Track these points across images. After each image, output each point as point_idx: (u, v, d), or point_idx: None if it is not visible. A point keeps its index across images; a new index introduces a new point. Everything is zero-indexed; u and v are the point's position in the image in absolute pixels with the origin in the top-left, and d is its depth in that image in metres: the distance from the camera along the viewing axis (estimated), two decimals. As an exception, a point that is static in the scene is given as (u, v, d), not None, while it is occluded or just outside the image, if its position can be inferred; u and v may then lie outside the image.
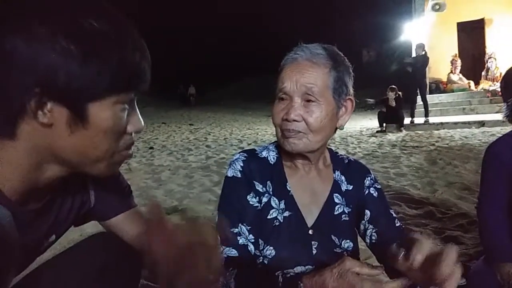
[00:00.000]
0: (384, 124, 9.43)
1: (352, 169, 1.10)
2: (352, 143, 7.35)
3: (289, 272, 0.94)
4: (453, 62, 12.38)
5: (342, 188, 1.07)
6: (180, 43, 27.81)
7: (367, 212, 1.05)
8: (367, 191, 1.08)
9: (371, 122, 11.10)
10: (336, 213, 1.03)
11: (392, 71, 11.00)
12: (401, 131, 9.21)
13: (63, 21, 0.63)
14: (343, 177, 1.08)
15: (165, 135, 10.26)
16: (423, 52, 9.58)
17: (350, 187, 1.07)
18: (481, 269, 1.57)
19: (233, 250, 0.94)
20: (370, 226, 1.04)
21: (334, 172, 1.08)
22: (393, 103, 9.32)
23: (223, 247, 0.96)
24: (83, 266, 0.91)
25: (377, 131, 9.31)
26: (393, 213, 1.08)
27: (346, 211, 1.04)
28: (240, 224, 0.96)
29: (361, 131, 9.89)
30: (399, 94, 9.49)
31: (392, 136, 8.41)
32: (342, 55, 1.01)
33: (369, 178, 1.10)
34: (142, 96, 0.77)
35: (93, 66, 0.64)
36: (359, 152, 6.13)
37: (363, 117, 14.05)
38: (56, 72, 0.62)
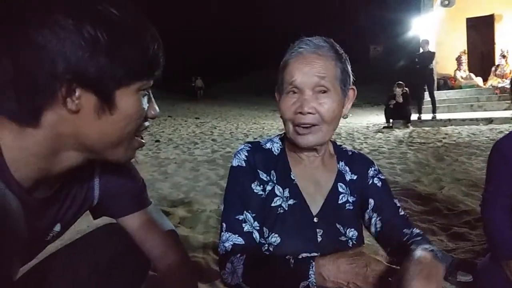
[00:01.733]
0: (391, 120, 9.39)
1: (356, 160, 1.12)
2: (359, 139, 7.33)
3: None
4: (458, 59, 12.26)
5: (347, 178, 1.08)
6: (186, 37, 27.79)
7: (371, 201, 1.06)
8: (371, 181, 1.09)
9: (378, 118, 11.06)
10: (340, 202, 1.04)
11: (400, 67, 10.91)
12: (408, 127, 9.16)
13: (88, 12, 0.66)
14: (347, 168, 1.09)
15: (171, 128, 10.29)
16: (428, 48, 9.51)
17: (355, 177, 1.08)
18: (488, 266, 1.57)
19: (239, 237, 0.96)
20: (374, 214, 1.04)
21: (338, 163, 1.09)
22: (400, 99, 9.27)
23: (226, 233, 0.97)
24: (91, 257, 0.92)
25: (384, 127, 9.27)
26: (397, 202, 1.08)
27: (351, 200, 1.05)
28: (245, 211, 0.98)
29: (367, 126, 9.85)
30: (406, 90, 9.43)
31: (399, 132, 8.37)
32: (341, 48, 1.03)
33: (372, 168, 1.11)
34: (156, 83, 0.80)
35: (120, 54, 0.68)
36: (365, 147, 6.11)
37: (369, 112, 13.99)
38: (85, 60, 0.65)
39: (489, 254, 1.60)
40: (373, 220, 1.05)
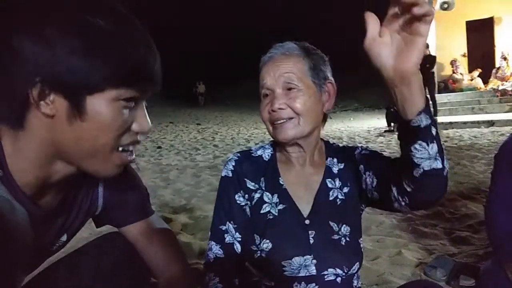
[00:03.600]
0: (392, 124, 9.37)
1: (343, 149, 1.11)
2: (360, 143, 7.32)
3: (285, 268, 0.96)
4: (452, 63, 12.28)
5: (334, 170, 1.07)
6: (187, 43, 27.87)
7: (361, 166, 1.02)
8: (358, 157, 1.05)
9: (379, 122, 11.06)
10: (331, 198, 1.04)
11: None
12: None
13: (66, 17, 0.65)
14: (334, 160, 1.09)
15: (172, 134, 10.31)
16: (428, 52, 9.54)
17: (342, 166, 1.08)
18: (490, 269, 1.57)
19: (220, 249, 1.00)
20: (367, 173, 1.00)
21: (327, 159, 1.09)
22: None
23: (211, 242, 1.02)
24: (93, 265, 0.93)
25: (385, 131, 9.26)
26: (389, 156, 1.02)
27: (341, 195, 1.04)
28: (227, 222, 1.02)
29: (368, 130, 9.85)
30: None
31: (400, 136, 8.34)
32: (315, 48, 1.05)
33: (359, 148, 1.08)
34: (151, 96, 0.78)
35: (91, 59, 0.66)
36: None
37: (371, 116, 13.99)
38: (56, 63, 0.64)
39: (492, 258, 1.60)
40: (368, 179, 0.99)
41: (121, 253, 0.96)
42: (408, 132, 0.77)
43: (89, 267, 0.93)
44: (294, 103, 0.97)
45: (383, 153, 1.07)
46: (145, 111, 0.78)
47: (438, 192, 0.83)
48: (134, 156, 0.80)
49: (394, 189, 0.88)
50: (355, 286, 1.02)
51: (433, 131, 0.76)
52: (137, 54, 0.70)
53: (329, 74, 1.03)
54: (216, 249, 1.00)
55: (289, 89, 0.98)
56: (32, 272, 0.92)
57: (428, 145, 0.76)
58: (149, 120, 0.78)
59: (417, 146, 0.76)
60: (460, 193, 3.35)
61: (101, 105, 0.69)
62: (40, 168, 0.72)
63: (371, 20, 0.72)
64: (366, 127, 10.59)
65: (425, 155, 0.77)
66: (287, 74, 0.97)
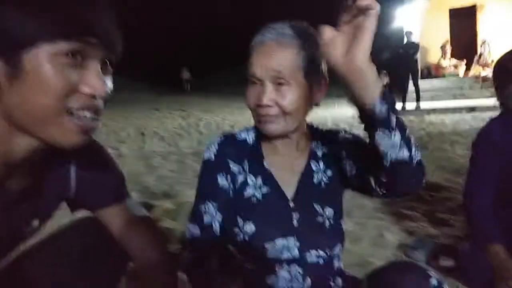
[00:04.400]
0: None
1: (329, 133, 1.09)
2: (344, 128, 7.35)
3: (267, 250, 0.95)
4: (443, 48, 12.38)
5: (319, 154, 1.05)
6: (173, 30, 27.45)
7: (343, 152, 1.00)
8: (341, 141, 1.04)
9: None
10: (315, 181, 1.03)
11: (385, 58, 10.97)
12: (392, 116, 9.24)
13: None
14: (319, 142, 1.07)
15: (157, 121, 10.19)
16: (412, 38, 9.61)
17: (326, 149, 1.06)
18: (469, 250, 1.60)
19: (198, 229, 0.98)
20: (348, 161, 0.98)
21: (312, 143, 1.07)
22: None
23: (189, 223, 1.00)
24: (67, 251, 0.90)
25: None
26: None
27: (325, 177, 1.03)
28: (208, 202, 0.99)
29: (353, 116, 9.89)
30: (388, 82, 9.49)
31: (383, 122, 8.44)
32: (312, 30, 0.96)
33: (343, 132, 1.07)
34: (110, 57, 0.72)
35: (21, 10, 0.62)
36: (350, 137, 6.14)
37: (355, 103, 14.04)
38: None
39: (470, 240, 1.63)
40: (348, 166, 0.98)
41: (96, 237, 0.94)
42: (368, 121, 0.78)
43: (62, 252, 0.90)
44: (282, 101, 0.92)
45: (365, 139, 1.04)
46: (100, 72, 0.70)
47: (412, 182, 0.84)
48: (96, 123, 0.74)
49: (371, 179, 0.88)
50: (337, 267, 1.03)
51: (392, 118, 0.76)
52: (71, 1, 0.65)
53: (324, 65, 0.97)
54: (192, 229, 0.99)
55: (279, 83, 0.92)
56: (5, 258, 0.89)
57: (390, 132, 0.76)
58: (104, 82, 0.71)
59: (379, 133, 0.77)
60: (441, 177, 3.41)
61: (38, 61, 0.64)
62: (1, 144, 0.69)
63: (324, 31, 0.74)
64: (350, 114, 10.63)
65: (388, 143, 0.77)
66: (278, 68, 0.91)
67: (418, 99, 9.77)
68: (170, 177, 3.89)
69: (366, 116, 0.77)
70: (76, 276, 0.91)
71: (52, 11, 0.63)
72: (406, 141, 0.78)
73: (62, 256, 0.92)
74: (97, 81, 0.69)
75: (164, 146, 6.00)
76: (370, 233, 2.22)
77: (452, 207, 2.60)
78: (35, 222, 0.87)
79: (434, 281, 0.85)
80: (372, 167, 0.86)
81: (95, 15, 0.67)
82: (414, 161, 0.80)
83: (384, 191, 0.88)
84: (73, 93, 0.68)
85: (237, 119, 10.35)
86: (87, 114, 0.70)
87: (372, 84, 0.74)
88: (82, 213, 1.02)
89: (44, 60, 0.64)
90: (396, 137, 0.77)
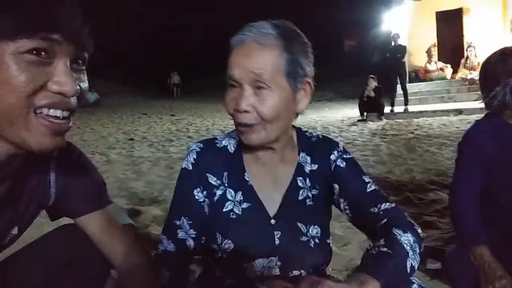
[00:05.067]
0: (365, 113, 9.52)
1: (318, 146, 1.02)
2: (334, 132, 7.40)
3: (247, 269, 0.92)
4: (428, 52, 12.51)
5: (306, 170, 0.99)
6: (162, 34, 27.31)
7: (336, 186, 0.97)
8: (333, 166, 0.99)
9: (353, 111, 11.19)
10: (300, 198, 0.97)
11: (373, 61, 11.05)
12: (381, 119, 9.31)
13: None
14: (308, 158, 1.00)
15: (145, 126, 10.13)
16: (400, 41, 9.72)
17: (315, 167, 0.99)
18: (455, 252, 1.60)
19: (171, 244, 0.93)
20: (341, 200, 0.97)
21: (299, 154, 1.00)
22: (371, 94, 9.39)
23: (163, 236, 0.95)
24: (47, 260, 0.89)
25: (358, 120, 9.39)
26: (365, 178, 0.98)
27: (311, 195, 0.98)
28: (182, 217, 0.94)
29: (342, 120, 9.96)
30: (379, 86, 9.56)
31: (372, 125, 8.51)
32: (298, 31, 0.90)
33: (335, 152, 1.00)
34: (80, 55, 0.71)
35: None
36: (340, 140, 6.14)
37: (345, 106, 14.14)
38: None
39: (456, 242, 1.64)
40: (342, 206, 0.98)
41: (77, 245, 0.92)
42: None
43: (42, 261, 0.89)
44: (262, 107, 0.84)
45: (359, 167, 1.02)
46: (68, 69, 0.69)
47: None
48: (69, 124, 0.72)
49: (366, 231, 0.94)
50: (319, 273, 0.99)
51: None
52: (34, 1, 0.64)
53: (309, 68, 0.90)
54: (166, 243, 0.93)
55: (259, 87, 0.84)
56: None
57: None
58: (74, 80, 0.69)
59: None
60: (428, 180, 3.44)
61: (1, 60, 0.63)
62: None
63: None
64: (340, 117, 10.70)
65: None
66: (258, 71, 0.83)
67: (406, 103, 9.86)
68: (159, 182, 3.86)
69: None
70: (58, 284, 0.90)
71: (14, 8, 0.62)
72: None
73: (44, 264, 0.91)
74: (66, 79, 0.68)
75: (153, 152, 5.96)
76: (358, 237, 2.22)
77: (439, 210, 2.62)
78: (14, 231, 0.86)
79: (416, 287, 0.85)
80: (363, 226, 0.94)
81: (59, 12, 0.66)
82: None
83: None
84: (40, 91, 0.66)
85: (227, 123, 10.34)
86: (58, 113, 0.69)
87: None
88: (64, 221, 1.01)
89: (7, 58, 0.63)
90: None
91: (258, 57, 0.84)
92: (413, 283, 0.86)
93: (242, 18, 0.91)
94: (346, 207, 0.97)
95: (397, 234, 0.83)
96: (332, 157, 1.00)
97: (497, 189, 1.50)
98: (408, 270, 0.79)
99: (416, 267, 0.82)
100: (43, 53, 0.65)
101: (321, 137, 1.05)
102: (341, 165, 0.99)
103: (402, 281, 0.79)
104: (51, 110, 0.68)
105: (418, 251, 0.84)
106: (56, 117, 0.69)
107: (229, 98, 0.89)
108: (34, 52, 0.64)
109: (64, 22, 0.67)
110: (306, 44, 0.91)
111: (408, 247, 0.81)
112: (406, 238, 0.83)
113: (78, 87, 0.70)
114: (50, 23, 0.65)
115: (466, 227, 1.52)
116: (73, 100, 0.71)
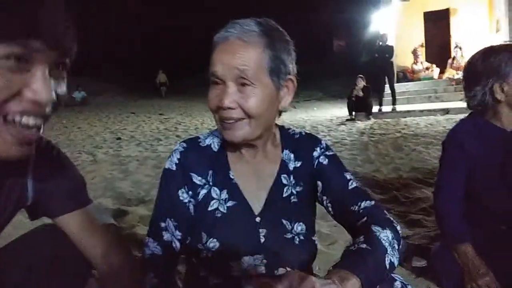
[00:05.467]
0: (354, 113, 9.58)
1: (301, 143, 1.03)
2: (322, 131, 7.43)
3: (233, 268, 0.92)
4: (414, 53, 12.63)
5: (290, 167, 1.00)
6: (150, 32, 27.14)
7: (319, 183, 0.98)
8: (316, 162, 1.00)
9: (341, 111, 11.25)
10: (285, 195, 0.98)
11: (362, 61, 11.12)
12: (369, 119, 9.38)
13: None
14: (292, 155, 1.01)
15: (133, 125, 10.05)
16: (388, 42, 9.80)
17: (299, 164, 1.00)
18: (440, 250, 1.62)
19: (158, 246, 0.92)
20: (324, 197, 0.98)
21: (283, 151, 1.01)
22: (360, 93, 9.46)
23: (149, 238, 0.94)
24: (25, 261, 0.87)
25: (347, 119, 9.45)
26: (347, 175, 1.00)
27: (295, 192, 0.99)
28: (167, 219, 0.93)
29: (331, 119, 10.01)
30: (368, 86, 9.63)
31: (361, 124, 8.56)
32: (280, 29, 0.91)
33: (318, 148, 1.02)
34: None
35: None
36: (328, 140, 6.20)
37: (333, 106, 14.20)
38: None
39: (440, 240, 1.65)
40: (325, 203, 0.99)
41: (58, 244, 0.91)
42: None
43: (20, 262, 0.87)
44: (246, 103, 0.85)
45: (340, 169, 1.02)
46: (46, 76, 0.67)
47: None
48: (38, 133, 0.70)
49: (347, 228, 0.94)
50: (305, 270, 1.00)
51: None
52: (13, 3, 0.61)
53: (292, 66, 0.92)
54: (153, 246, 0.93)
55: (242, 84, 0.85)
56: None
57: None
58: (50, 87, 0.67)
59: None
60: (415, 178, 3.46)
61: None
62: None
63: None
64: (329, 116, 10.75)
65: None
66: (242, 67, 0.84)
67: (394, 102, 9.95)
68: (146, 182, 3.83)
69: None
70: (39, 283, 0.88)
71: None
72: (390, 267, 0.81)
73: (25, 263, 0.89)
74: (42, 86, 0.65)
75: (141, 151, 5.91)
76: (345, 236, 2.23)
77: (425, 208, 2.64)
78: None
79: (398, 284, 0.85)
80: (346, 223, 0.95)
81: (41, 17, 0.64)
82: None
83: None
84: (13, 98, 0.64)
85: (216, 122, 10.31)
86: (30, 120, 0.67)
87: None
88: (46, 220, 0.99)
89: None
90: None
91: (242, 54, 0.84)
92: (396, 280, 0.86)
93: (225, 20, 0.90)
94: (329, 204, 0.98)
95: (376, 231, 0.84)
96: (315, 153, 1.02)
97: (480, 189, 1.51)
98: (387, 266, 0.79)
99: (396, 263, 0.82)
100: (21, 59, 0.63)
101: (303, 133, 1.06)
102: (324, 162, 1.00)
103: (382, 277, 0.79)
104: (23, 118, 0.66)
105: (397, 247, 0.85)
106: (27, 126, 0.67)
107: (212, 95, 0.89)
108: (12, 58, 0.62)
109: (46, 27, 0.64)
110: (289, 42, 0.92)
111: (387, 244, 0.82)
112: (385, 235, 0.83)
113: (54, 95, 0.68)
114: (30, 29, 0.62)
115: (450, 226, 1.53)
116: (48, 108, 0.69)
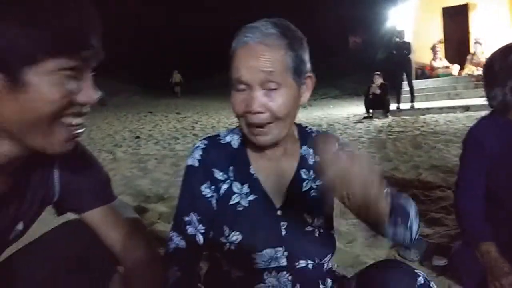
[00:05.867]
0: (371, 110, 9.49)
1: (320, 138, 1.03)
2: (339, 129, 7.39)
3: (255, 260, 0.93)
4: (433, 49, 12.41)
5: (309, 162, 1.02)
6: (167, 32, 27.37)
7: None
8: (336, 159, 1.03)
9: (358, 109, 11.17)
10: (304, 189, 1.00)
11: (379, 58, 10.96)
12: (387, 116, 9.28)
13: None
14: (310, 150, 1.02)
15: (151, 124, 10.18)
16: (406, 38, 9.67)
17: (317, 159, 1.01)
18: (461, 249, 1.60)
19: (182, 240, 0.95)
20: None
21: (301, 147, 1.03)
22: (377, 91, 9.36)
23: (173, 232, 0.97)
24: (52, 256, 0.90)
25: (364, 117, 9.36)
26: None
27: (314, 186, 1.01)
28: (191, 213, 0.96)
29: (348, 117, 9.94)
30: (385, 83, 9.52)
31: (378, 122, 8.48)
32: (294, 28, 0.93)
33: (336, 144, 1.01)
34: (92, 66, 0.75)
35: (23, 29, 0.64)
36: (345, 138, 6.16)
37: (350, 103, 14.11)
38: None
39: (461, 239, 1.63)
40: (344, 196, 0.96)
41: (81, 242, 0.93)
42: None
43: (46, 258, 0.90)
44: (274, 106, 0.87)
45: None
46: (91, 81, 0.75)
47: (401, 241, 0.90)
48: (81, 130, 0.77)
49: (366, 223, 0.93)
50: (326, 269, 1.01)
51: (398, 221, 0.85)
52: (71, 22, 0.68)
53: (308, 64, 0.93)
54: (177, 240, 0.95)
55: (269, 87, 0.86)
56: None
57: (394, 227, 0.86)
58: (94, 91, 0.75)
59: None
60: (434, 176, 3.42)
61: (40, 76, 0.67)
62: None
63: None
64: (346, 114, 10.68)
65: (390, 231, 0.87)
66: (268, 70, 0.85)
67: (412, 99, 9.82)
68: (165, 180, 3.88)
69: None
70: (63, 280, 0.91)
71: (53, 30, 0.66)
72: (407, 227, 0.87)
73: (50, 259, 0.91)
74: (92, 91, 0.74)
75: (159, 149, 5.99)
76: (363, 234, 2.22)
77: (445, 206, 2.61)
78: (19, 226, 0.87)
79: (421, 280, 0.85)
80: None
81: (90, 31, 0.71)
82: (411, 236, 0.88)
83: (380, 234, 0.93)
84: (70, 103, 0.71)
85: (233, 121, 10.36)
86: (79, 120, 0.75)
87: (378, 213, 0.82)
88: (69, 216, 1.02)
89: (46, 75, 0.67)
90: (399, 229, 0.86)
91: (266, 57, 0.86)
92: (419, 276, 0.86)
93: (244, 17, 0.92)
94: (345, 194, 0.97)
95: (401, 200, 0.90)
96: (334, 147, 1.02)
97: (500, 188, 1.49)
98: (414, 214, 0.88)
99: (416, 229, 0.89)
100: (75, 70, 0.70)
101: (320, 131, 1.09)
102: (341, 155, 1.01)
103: (405, 220, 0.87)
104: (75, 119, 0.74)
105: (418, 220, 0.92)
106: (76, 125, 0.75)
107: (238, 100, 0.90)
108: (70, 69, 0.69)
109: (94, 39, 0.72)
110: (303, 39, 0.94)
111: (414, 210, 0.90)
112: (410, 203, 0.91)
113: None
114: (84, 42, 0.70)
115: (472, 225, 1.51)
116: (88, 107, 0.77)
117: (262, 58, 0.86)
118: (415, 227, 0.88)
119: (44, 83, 0.67)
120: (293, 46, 0.89)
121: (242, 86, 0.89)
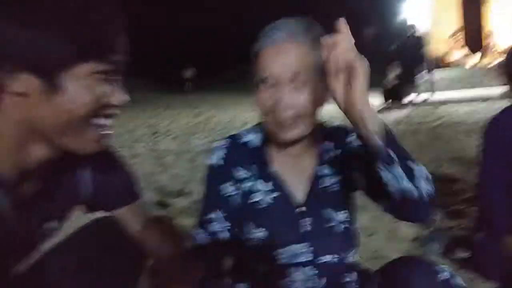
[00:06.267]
0: (389, 101, 9.37)
1: (336, 134, 1.05)
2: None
3: (281, 256, 0.95)
4: (452, 39, 12.17)
5: (329, 157, 1.03)
6: (181, 28, 27.47)
7: (356, 166, 0.97)
8: (350, 149, 1.02)
9: (375, 100, 11.04)
10: (326, 184, 1.00)
11: (394, 49, 10.77)
12: (405, 107, 9.15)
13: None
14: (330, 145, 1.04)
15: (168, 119, 10.25)
16: (422, 28, 9.52)
17: (338, 152, 1.03)
18: (483, 241, 1.59)
19: (207, 236, 0.98)
20: (359, 176, 0.96)
21: (321, 143, 1.04)
22: (395, 81, 9.22)
23: (198, 229, 0.99)
24: (84, 252, 0.92)
25: (382, 108, 9.25)
26: None
27: (336, 181, 1.01)
28: (216, 210, 0.98)
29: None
30: (402, 73, 9.37)
31: (397, 113, 8.36)
32: (317, 24, 0.94)
33: (349, 135, 1.04)
34: (119, 68, 0.78)
35: (57, 35, 0.67)
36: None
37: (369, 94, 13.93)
38: (20, 43, 0.66)
39: (484, 231, 1.62)
40: (359, 181, 0.97)
41: (113, 236, 0.96)
42: (369, 152, 0.80)
43: (78, 254, 0.93)
44: (302, 102, 0.88)
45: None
46: (120, 83, 0.78)
47: (418, 212, 0.86)
48: (111, 130, 0.81)
49: (380, 203, 0.90)
50: (350, 262, 1.02)
51: (392, 153, 0.78)
52: (102, 27, 0.72)
53: None
54: (202, 237, 0.98)
55: (296, 84, 0.88)
56: (26, 259, 0.92)
57: (390, 165, 0.78)
58: (123, 92, 0.79)
59: (380, 166, 0.79)
60: (455, 168, 3.38)
61: (75, 80, 0.70)
62: (17, 149, 0.73)
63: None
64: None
65: (389, 175, 0.79)
66: (296, 68, 0.87)
67: (430, 90, 9.66)
68: (184, 175, 3.92)
69: (367, 148, 0.80)
70: (95, 275, 0.94)
71: (86, 35, 0.70)
72: (408, 174, 0.79)
73: (80, 257, 0.94)
74: (121, 92, 0.78)
75: (177, 145, 6.04)
76: (385, 227, 2.22)
77: (467, 198, 2.58)
78: (52, 224, 0.90)
79: (446, 275, 0.85)
80: (378, 194, 0.87)
81: (118, 36, 0.75)
82: (419, 193, 0.81)
83: (395, 216, 0.91)
84: (102, 105, 0.75)
85: (249, 115, 10.36)
86: (107, 122, 0.78)
87: (371, 124, 0.79)
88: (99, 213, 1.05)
89: (81, 79, 0.71)
90: (396, 170, 0.78)
91: (294, 54, 0.88)
92: (443, 271, 0.86)
93: (262, 13, 0.93)
94: (363, 179, 0.95)
95: None
96: (348, 140, 1.04)
97: None
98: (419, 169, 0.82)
99: (426, 188, 0.83)
100: (108, 73, 0.74)
101: (336, 125, 1.09)
102: (356, 144, 1.01)
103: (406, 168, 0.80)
104: (105, 120, 0.78)
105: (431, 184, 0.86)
106: (106, 126, 0.78)
107: (264, 98, 0.92)
108: (101, 72, 0.73)
109: (122, 42, 0.76)
110: (323, 34, 0.93)
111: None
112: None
113: None
114: (115, 46, 0.74)
115: (495, 217, 1.50)
116: (117, 108, 0.80)
117: (290, 55, 0.88)
118: (424, 185, 0.82)
119: (78, 86, 0.70)
120: (317, 42, 0.88)
121: (270, 83, 0.90)
